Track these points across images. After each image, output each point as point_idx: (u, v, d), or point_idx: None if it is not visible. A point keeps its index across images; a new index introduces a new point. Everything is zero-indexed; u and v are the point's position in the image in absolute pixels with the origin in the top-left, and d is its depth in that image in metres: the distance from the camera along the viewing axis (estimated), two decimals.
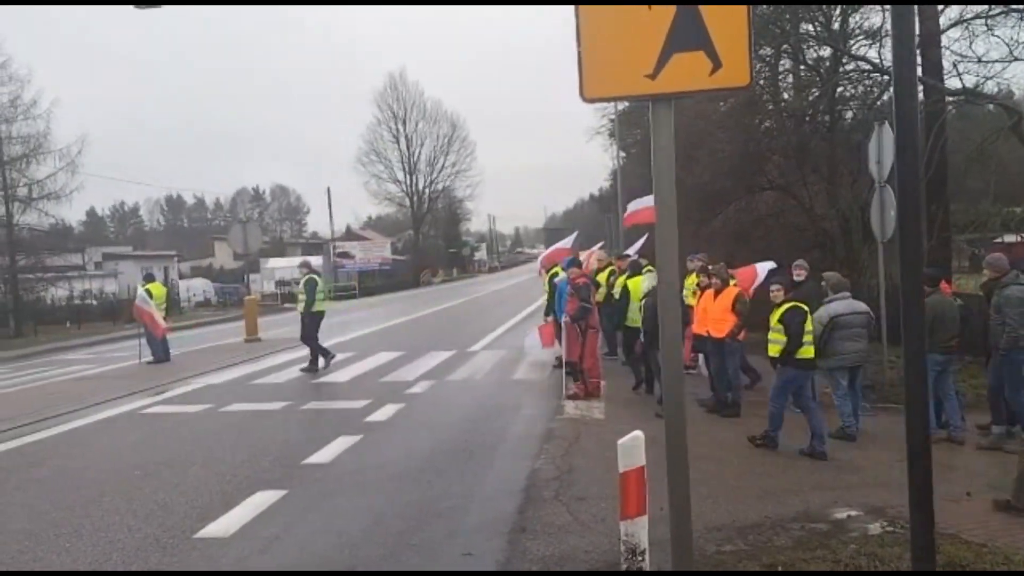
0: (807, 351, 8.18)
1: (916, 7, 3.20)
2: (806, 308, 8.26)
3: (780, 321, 8.17)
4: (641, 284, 11.52)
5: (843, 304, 8.82)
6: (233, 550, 5.48)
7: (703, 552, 5.15)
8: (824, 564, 4.87)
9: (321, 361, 14.53)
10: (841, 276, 9.48)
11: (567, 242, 15.48)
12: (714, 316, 10.17)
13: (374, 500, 6.60)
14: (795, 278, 10.06)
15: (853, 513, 6.07)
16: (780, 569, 4.80)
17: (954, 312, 8.84)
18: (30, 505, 6.76)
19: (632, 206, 17.40)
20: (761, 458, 8.03)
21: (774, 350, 8.26)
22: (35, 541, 5.81)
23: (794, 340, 8.06)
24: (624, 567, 3.83)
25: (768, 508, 6.23)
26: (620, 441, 3.90)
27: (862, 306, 8.95)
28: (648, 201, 17.67)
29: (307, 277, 15.29)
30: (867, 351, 9.14)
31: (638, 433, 3.93)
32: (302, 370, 14.32)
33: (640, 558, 3.80)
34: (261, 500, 6.53)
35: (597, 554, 5.23)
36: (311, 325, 14.90)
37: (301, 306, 15.09)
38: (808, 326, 8.16)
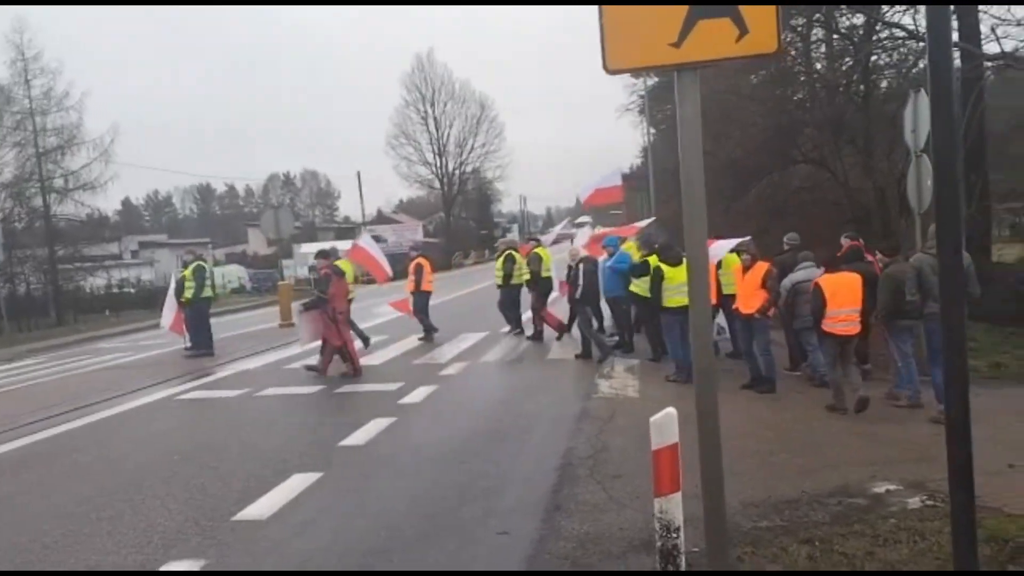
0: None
1: None
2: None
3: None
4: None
5: (803, 273, 9.77)
6: (270, 532, 5.54)
7: (739, 528, 5.11)
8: (863, 539, 4.81)
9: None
10: (808, 252, 10.38)
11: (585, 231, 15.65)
12: (743, 292, 10.07)
13: (409, 482, 6.64)
14: (784, 247, 11.62)
15: (892, 487, 5.98)
16: (817, 544, 4.75)
17: (910, 279, 8.79)
18: (74, 490, 6.89)
19: (592, 185, 17.34)
20: (799, 435, 7.95)
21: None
22: (80, 524, 5.92)
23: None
24: (659, 544, 3.81)
25: (805, 483, 6.16)
26: (652, 418, 3.87)
27: (816, 272, 9.53)
28: (612, 179, 17.65)
29: (195, 264, 15.53)
30: None
31: (671, 410, 3.90)
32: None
33: (675, 535, 3.78)
34: (297, 483, 6.60)
35: (632, 531, 5.22)
36: (195, 315, 15.36)
37: (189, 293, 15.34)
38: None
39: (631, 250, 13.38)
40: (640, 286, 11.78)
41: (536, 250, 15.03)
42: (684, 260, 10.89)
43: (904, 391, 8.98)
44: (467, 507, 5.89)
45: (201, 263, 15.71)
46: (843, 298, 8.75)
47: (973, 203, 13.55)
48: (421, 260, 16.07)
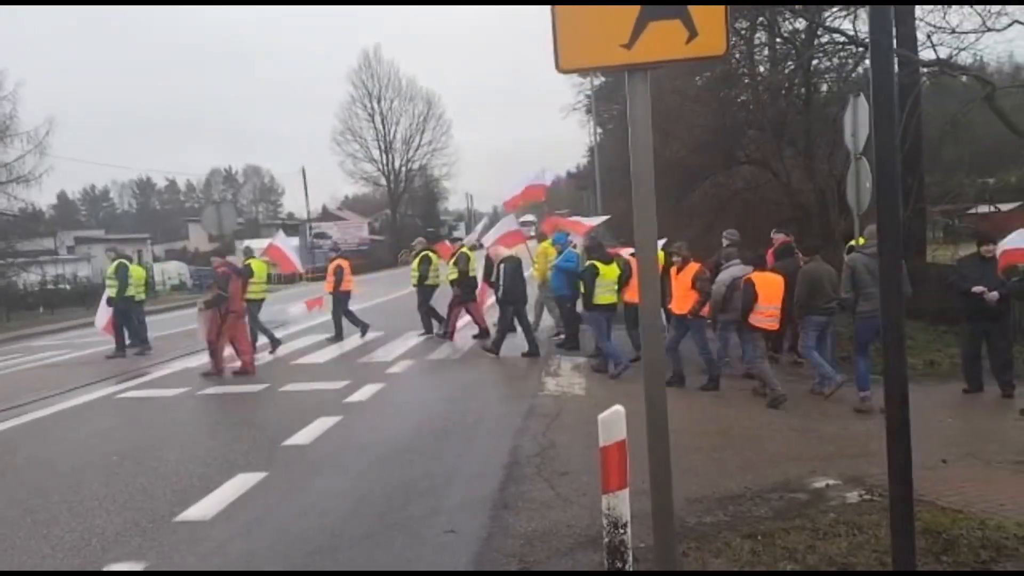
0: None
1: None
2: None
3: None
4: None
5: (739, 269, 10.09)
6: (214, 533, 5.44)
7: (684, 523, 5.18)
8: (804, 533, 4.91)
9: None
10: (733, 251, 10.79)
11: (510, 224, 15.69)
12: (677, 293, 10.37)
13: (355, 481, 6.59)
14: (724, 242, 11.97)
15: (832, 482, 6.12)
16: (760, 539, 4.84)
17: (832, 277, 9.76)
18: (6, 492, 6.67)
19: (518, 186, 17.74)
20: (742, 431, 8.10)
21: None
22: (13, 528, 5.74)
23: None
24: (606, 540, 3.83)
25: (748, 479, 6.28)
26: (601, 416, 3.90)
27: (749, 269, 10.00)
28: (538, 179, 18.09)
29: (117, 262, 15.33)
30: None
31: (618, 407, 3.93)
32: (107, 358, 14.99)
33: (622, 530, 3.81)
34: (241, 483, 6.49)
35: (579, 528, 5.25)
36: (121, 315, 15.22)
37: (112, 291, 15.11)
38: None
39: (549, 251, 14.20)
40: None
41: (463, 250, 15.19)
42: (613, 260, 11.43)
43: (830, 383, 9.46)
44: (413, 505, 5.86)
45: (123, 261, 15.34)
46: (770, 295, 9.40)
47: (909, 206, 13.94)
48: (340, 261, 16.08)
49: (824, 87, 19.33)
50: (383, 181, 73.38)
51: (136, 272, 15.85)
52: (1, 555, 5.25)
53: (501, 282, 12.59)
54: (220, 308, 12.00)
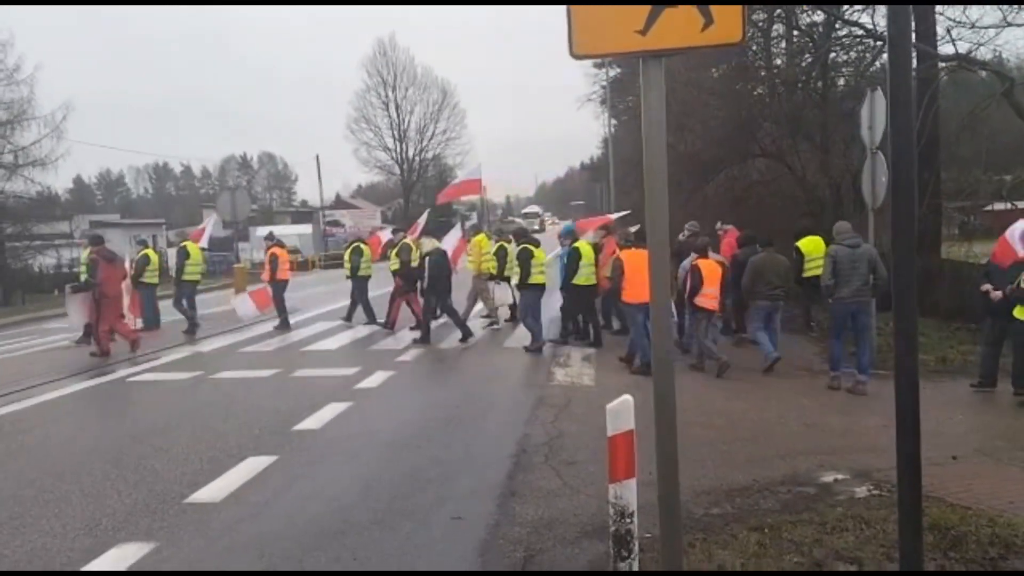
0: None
1: None
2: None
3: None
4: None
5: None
6: (223, 515, 5.48)
7: (691, 515, 5.19)
8: (811, 526, 4.91)
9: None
10: (693, 242, 11.89)
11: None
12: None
13: (364, 466, 6.62)
14: (685, 233, 13.21)
15: (840, 477, 6.11)
16: (767, 531, 4.83)
17: (778, 267, 11.18)
18: (19, 471, 6.75)
19: (456, 182, 18.09)
20: (750, 424, 8.09)
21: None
22: (25, 507, 5.80)
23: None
24: (612, 529, 3.84)
25: (756, 472, 6.27)
26: (609, 405, 3.90)
27: (717, 257, 11.57)
28: (474, 174, 18.28)
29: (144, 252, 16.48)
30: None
31: (627, 397, 3.92)
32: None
33: (628, 520, 3.81)
34: (251, 466, 6.53)
35: (586, 517, 5.26)
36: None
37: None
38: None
39: (483, 243, 15.35)
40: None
41: (406, 240, 15.46)
42: (540, 245, 12.83)
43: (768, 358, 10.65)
44: (422, 492, 5.89)
45: (183, 246, 16.54)
46: (712, 280, 10.68)
47: (925, 201, 13.84)
48: (275, 250, 16.41)
49: (841, 81, 19.17)
50: (396, 170, 73.28)
51: (152, 257, 16.33)
52: (12, 532, 5.31)
53: (427, 272, 13.30)
54: (94, 292, 12.84)
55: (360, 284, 16.05)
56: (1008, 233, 9.43)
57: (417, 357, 12.11)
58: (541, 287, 12.57)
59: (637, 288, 10.35)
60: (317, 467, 6.60)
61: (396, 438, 7.48)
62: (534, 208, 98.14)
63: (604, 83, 37.26)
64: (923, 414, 3.23)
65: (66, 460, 7.02)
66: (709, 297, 10.66)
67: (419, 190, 76.81)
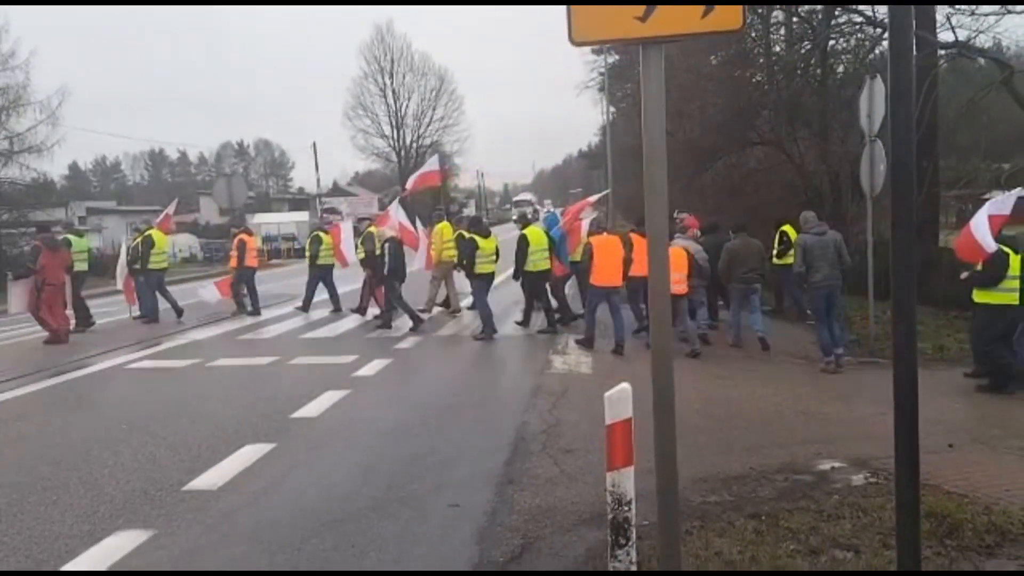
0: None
1: None
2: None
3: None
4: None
5: (680, 242, 11.52)
6: (221, 502, 5.49)
7: (688, 502, 5.19)
8: (808, 514, 4.93)
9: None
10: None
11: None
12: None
13: (363, 454, 6.63)
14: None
15: (837, 465, 6.13)
16: (764, 519, 4.85)
17: (752, 251, 11.90)
18: (17, 459, 6.75)
19: (417, 174, 18.18)
20: (747, 412, 8.10)
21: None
22: (23, 494, 5.80)
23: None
24: (610, 516, 3.85)
25: (753, 460, 6.28)
26: (607, 393, 3.90)
27: (695, 246, 11.80)
28: (432, 165, 18.45)
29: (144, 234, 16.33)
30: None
31: (625, 385, 3.93)
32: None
33: (626, 508, 3.82)
34: (249, 453, 6.54)
35: (583, 505, 5.27)
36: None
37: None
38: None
39: (445, 231, 15.41)
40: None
41: (370, 229, 15.57)
42: (491, 234, 13.15)
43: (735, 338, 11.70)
44: (420, 479, 5.90)
45: (148, 234, 16.16)
46: (678, 265, 10.75)
47: (923, 190, 13.84)
48: (243, 236, 16.47)
49: (840, 68, 19.13)
50: (394, 157, 73.11)
51: (160, 240, 16.43)
52: (10, 520, 5.31)
53: (386, 260, 13.47)
54: (36, 281, 13.17)
55: (322, 272, 16.34)
56: (973, 227, 8.85)
57: (415, 345, 12.11)
58: (488, 276, 12.88)
59: (605, 272, 11.14)
60: (315, 454, 6.61)
61: (394, 426, 7.49)
62: (526, 196, 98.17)
63: (602, 70, 37.18)
64: (920, 402, 3.24)
65: (64, 447, 7.02)
66: (674, 281, 10.55)
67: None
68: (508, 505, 5.34)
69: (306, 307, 16.26)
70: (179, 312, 16.01)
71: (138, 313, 16.30)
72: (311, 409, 8.04)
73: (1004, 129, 21.53)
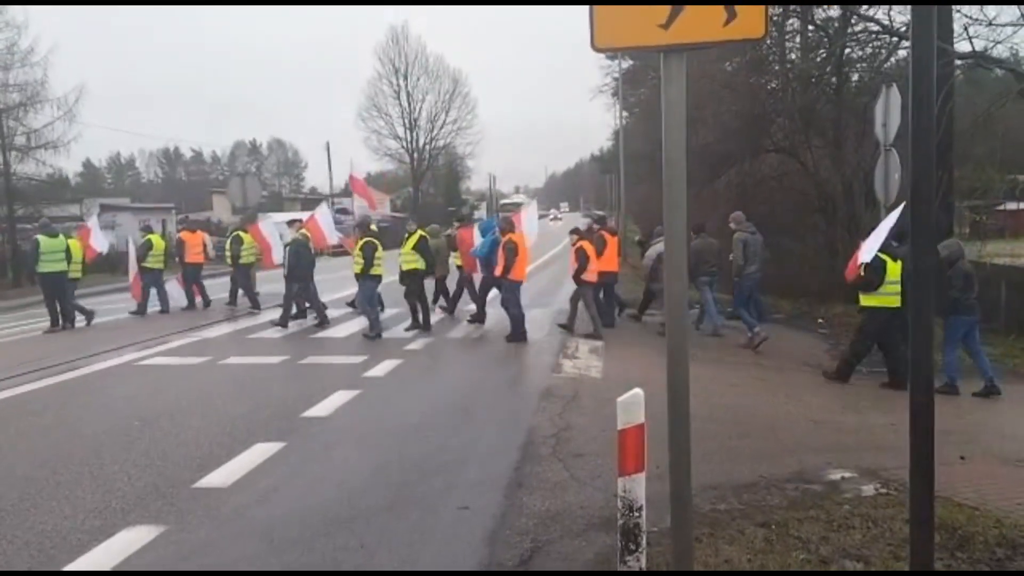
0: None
1: None
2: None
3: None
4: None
5: (661, 245, 11.26)
6: (232, 500, 5.51)
7: (698, 509, 5.18)
8: (818, 524, 4.91)
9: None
10: (660, 229, 13.05)
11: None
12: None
13: (372, 453, 6.64)
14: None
15: (848, 475, 6.10)
16: (773, 528, 4.84)
17: (712, 249, 13.67)
18: (31, 453, 6.79)
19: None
20: (757, 420, 8.08)
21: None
22: (37, 488, 5.84)
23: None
24: (620, 522, 3.85)
25: (763, 468, 6.27)
26: (620, 398, 3.90)
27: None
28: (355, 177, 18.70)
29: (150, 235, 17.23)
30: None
31: (638, 391, 3.92)
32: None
33: (637, 514, 3.82)
34: (260, 451, 6.56)
35: (593, 509, 5.27)
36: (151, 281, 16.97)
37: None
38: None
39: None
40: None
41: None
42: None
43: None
44: (429, 480, 5.91)
45: (151, 236, 17.12)
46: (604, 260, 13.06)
47: (937, 199, 13.78)
48: (183, 234, 17.46)
49: (855, 77, 19.07)
50: (407, 158, 73.21)
51: (157, 243, 17.04)
52: (22, 515, 5.34)
53: (286, 261, 14.34)
54: None
55: (242, 271, 16.82)
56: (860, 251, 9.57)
57: (425, 347, 12.12)
58: (378, 278, 13.40)
59: (521, 269, 12.71)
60: (325, 453, 6.63)
61: (404, 426, 7.50)
62: (518, 198, 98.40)
63: (616, 75, 37.18)
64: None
65: (77, 442, 7.06)
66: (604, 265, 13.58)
67: (429, 179, 76.76)
68: (518, 508, 5.34)
69: (257, 305, 16.84)
70: (163, 311, 16.80)
71: (134, 309, 16.87)
72: (322, 408, 8.06)
73: (1020, 139, 21.39)
